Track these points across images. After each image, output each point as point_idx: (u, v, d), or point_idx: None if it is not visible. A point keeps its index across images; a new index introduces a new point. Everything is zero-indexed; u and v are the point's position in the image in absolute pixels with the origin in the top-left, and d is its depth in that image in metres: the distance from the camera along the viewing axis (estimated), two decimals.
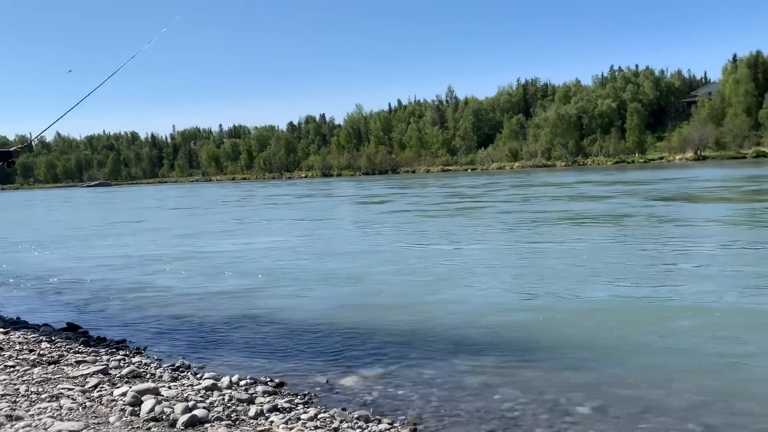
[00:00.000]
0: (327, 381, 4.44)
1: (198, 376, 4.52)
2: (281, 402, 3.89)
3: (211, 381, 4.24)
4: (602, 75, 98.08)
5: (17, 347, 5.14)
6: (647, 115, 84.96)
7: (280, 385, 4.34)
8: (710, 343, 4.85)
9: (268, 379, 4.42)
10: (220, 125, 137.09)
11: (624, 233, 11.98)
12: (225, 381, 4.25)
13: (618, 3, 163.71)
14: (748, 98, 76.46)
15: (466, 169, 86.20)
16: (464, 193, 28.77)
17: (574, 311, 6.09)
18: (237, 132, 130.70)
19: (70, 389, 3.95)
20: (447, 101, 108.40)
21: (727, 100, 78.70)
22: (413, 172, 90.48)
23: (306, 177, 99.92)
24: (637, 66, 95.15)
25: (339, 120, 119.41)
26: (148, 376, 4.45)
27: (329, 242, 13.09)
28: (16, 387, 3.98)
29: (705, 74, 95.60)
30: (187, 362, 4.90)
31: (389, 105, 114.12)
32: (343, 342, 5.44)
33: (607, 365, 4.46)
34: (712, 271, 7.67)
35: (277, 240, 13.71)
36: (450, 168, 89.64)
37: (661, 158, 74.10)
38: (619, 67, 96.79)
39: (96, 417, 3.48)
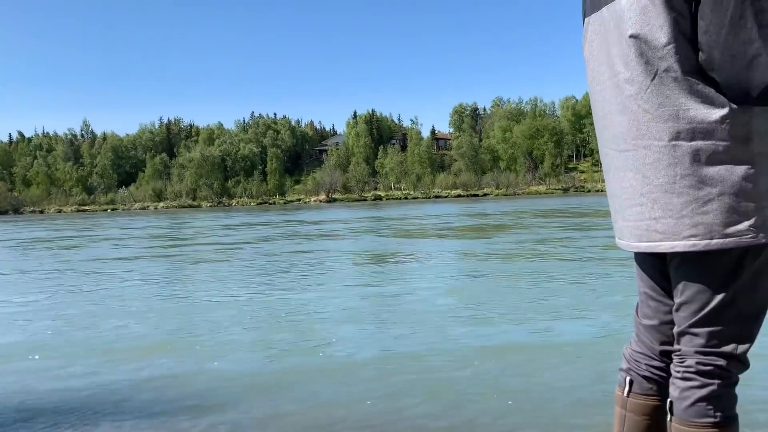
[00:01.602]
0: None
1: None
2: None
3: None
4: (244, 120, 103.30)
5: None
6: (286, 160, 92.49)
7: None
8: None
9: None
10: None
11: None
12: None
13: (256, 51, 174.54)
14: (366, 149, 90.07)
15: (106, 209, 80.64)
16: (167, 234, 26.71)
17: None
18: None
19: None
20: (82, 136, 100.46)
21: (351, 150, 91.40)
22: (41, 212, 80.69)
23: None
24: (275, 114, 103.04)
25: None
26: None
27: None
28: None
29: (333, 126, 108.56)
30: None
31: (10, 136, 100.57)
32: None
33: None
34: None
35: None
36: (86, 208, 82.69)
37: (299, 200, 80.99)
38: (260, 114, 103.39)
39: None
